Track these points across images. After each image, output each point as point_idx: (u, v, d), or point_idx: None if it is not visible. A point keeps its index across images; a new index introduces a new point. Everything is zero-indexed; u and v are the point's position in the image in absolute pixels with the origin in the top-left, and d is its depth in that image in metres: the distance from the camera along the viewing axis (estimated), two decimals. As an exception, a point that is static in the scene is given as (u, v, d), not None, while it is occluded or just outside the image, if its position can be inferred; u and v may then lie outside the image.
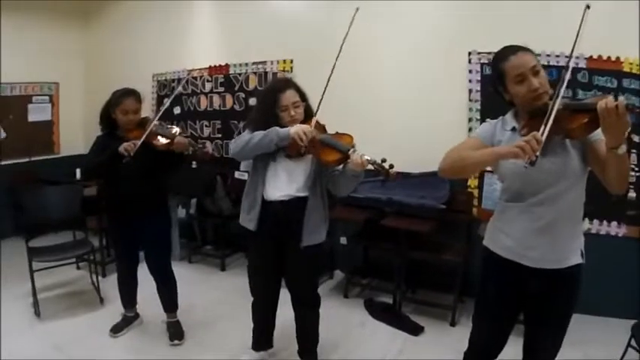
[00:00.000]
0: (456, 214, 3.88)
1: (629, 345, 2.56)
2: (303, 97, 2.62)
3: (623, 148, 1.58)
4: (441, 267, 3.80)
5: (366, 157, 2.29)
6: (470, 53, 3.92)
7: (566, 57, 3.56)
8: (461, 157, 1.88)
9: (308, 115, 2.62)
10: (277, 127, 2.47)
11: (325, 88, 2.60)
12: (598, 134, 1.67)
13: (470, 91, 3.94)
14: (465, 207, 3.93)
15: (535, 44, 3.43)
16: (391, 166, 2.25)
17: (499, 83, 1.87)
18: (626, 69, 3.54)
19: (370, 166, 2.30)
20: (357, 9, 2.66)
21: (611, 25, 3.41)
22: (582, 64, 3.60)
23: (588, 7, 1.77)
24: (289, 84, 2.66)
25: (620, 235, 3.69)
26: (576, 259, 1.89)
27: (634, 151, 3.57)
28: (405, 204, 3.93)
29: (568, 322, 1.99)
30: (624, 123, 1.51)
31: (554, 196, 1.80)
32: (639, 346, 2.51)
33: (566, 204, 1.82)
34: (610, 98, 1.51)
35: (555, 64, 3.60)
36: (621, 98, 1.51)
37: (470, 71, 3.95)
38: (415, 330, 3.53)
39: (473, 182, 4.01)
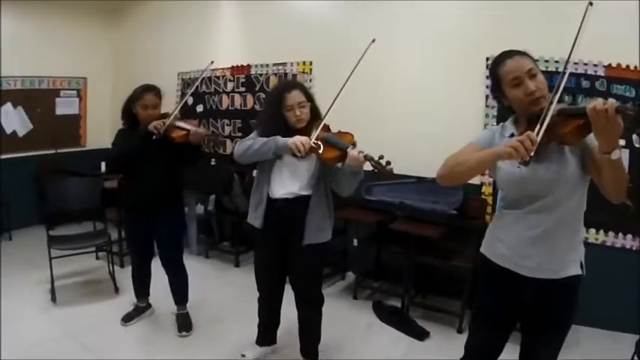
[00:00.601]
0: (468, 220, 3.86)
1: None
2: (309, 97, 2.66)
3: (617, 153, 1.53)
4: (450, 273, 3.79)
5: (363, 154, 2.31)
6: (488, 59, 3.88)
7: (585, 64, 3.56)
8: (459, 162, 1.87)
9: (314, 115, 2.67)
10: (278, 137, 2.53)
11: (339, 93, 2.62)
12: (594, 140, 1.62)
13: (487, 97, 3.91)
14: (477, 213, 3.90)
15: (553, 51, 3.47)
16: (388, 163, 2.25)
17: (497, 88, 1.86)
18: (646, 78, 3.47)
19: (367, 163, 2.31)
20: (374, 40, 2.64)
21: (631, 33, 3.37)
22: (601, 72, 3.54)
23: (591, 3, 1.74)
24: (295, 85, 2.71)
25: (634, 248, 3.59)
26: (575, 269, 1.84)
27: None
28: (416, 208, 3.93)
29: (565, 333, 1.95)
30: (616, 126, 1.46)
31: (551, 204, 1.76)
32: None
33: (564, 212, 1.77)
34: (600, 100, 1.47)
35: (574, 71, 3.54)
36: (611, 100, 1.46)
37: (487, 77, 3.92)
38: (421, 335, 3.53)
39: (487, 189, 3.99)
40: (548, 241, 1.79)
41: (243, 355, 3.06)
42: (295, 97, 2.59)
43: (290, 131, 2.59)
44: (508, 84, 1.78)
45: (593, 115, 1.48)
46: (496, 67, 1.83)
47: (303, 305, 2.89)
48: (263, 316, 3.05)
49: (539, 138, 1.58)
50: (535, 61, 1.82)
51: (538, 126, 1.62)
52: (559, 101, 1.70)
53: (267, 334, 3.10)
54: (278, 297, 2.98)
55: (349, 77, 2.63)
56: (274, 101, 2.65)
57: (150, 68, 5.94)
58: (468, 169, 1.86)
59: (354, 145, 2.44)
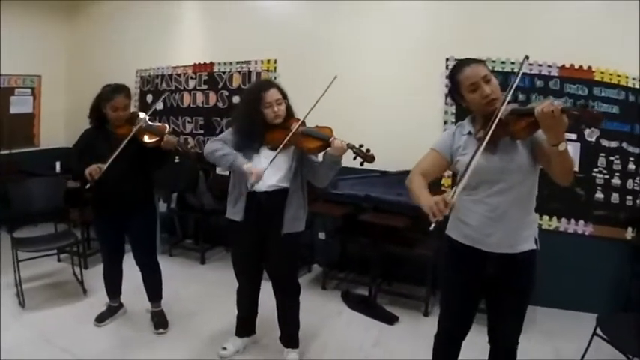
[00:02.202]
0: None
1: (594, 333, 2.75)
2: (284, 95, 2.81)
3: (563, 145, 1.78)
4: (414, 261, 4.01)
5: (345, 142, 2.55)
6: (447, 60, 4.11)
7: (539, 65, 3.82)
8: (410, 189, 2.12)
9: (289, 113, 2.82)
10: (238, 156, 2.70)
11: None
12: (542, 134, 1.88)
13: (446, 95, 4.13)
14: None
15: (509, 52, 3.70)
16: (368, 150, 2.53)
17: (456, 92, 2.11)
18: (597, 78, 3.78)
19: (350, 151, 2.55)
20: (335, 77, 2.74)
21: (582, 34, 3.66)
22: (554, 72, 3.82)
23: (527, 57, 2.07)
24: (272, 83, 2.88)
25: (586, 233, 3.94)
26: (529, 245, 2.11)
27: (602, 154, 3.82)
28: (382, 200, 4.12)
29: (526, 301, 2.21)
30: (562, 124, 1.71)
31: (505, 189, 2.02)
32: (604, 334, 2.68)
33: (516, 196, 2.03)
34: (547, 103, 1.72)
35: (528, 71, 3.81)
36: (557, 102, 1.72)
37: (447, 77, 4.13)
38: (390, 319, 3.71)
39: (446, 181, 4.21)
40: (506, 221, 2.05)
41: (224, 348, 3.14)
42: (273, 94, 2.72)
43: (267, 127, 2.74)
44: (466, 88, 2.02)
45: (540, 115, 1.73)
46: (455, 73, 2.07)
47: (282, 294, 3.00)
48: (242, 307, 3.14)
49: (454, 199, 1.81)
50: (492, 62, 2.06)
51: (454, 188, 1.85)
52: (512, 102, 1.97)
53: (246, 324, 3.20)
54: (256, 287, 3.09)
55: (312, 108, 2.74)
56: (252, 99, 2.77)
57: (107, 65, 5.80)
58: (411, 197, 2.12)
59: (334, 137, 2.61)
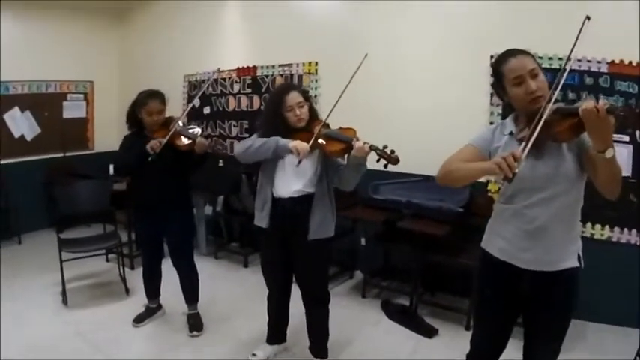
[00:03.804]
0: (474, 217, 3.87)
1: (637, 354, 2.52)
2: (307, 98, 2.75)
3: (610, 152, 1.58)
4: (458, 270, 3.81)
5: (368, 144, 2.42)
6: (492, 57, 3.90)
7: (588, 61, 3.57)
8: (450, 171, 1.95)
9: (312, 115, 2.74)
10: (278, 138, 2.61)
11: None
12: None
13: (492, 94, 3.93)
14: (483, 211, 3.90)
15: (557, 48, 3.48)
16: (392, 152, 2.38)
17: (498, 85, 1.91)
18: (649, 74, 3.49)
19: (372, 159, 2.42)
20: (366, 55, 2.70)
21: (634, 29, 3.38)
22: (604, 69, 3.56)
23: (588, 18, 1.75)
24: (293, 86, 2.87)
25: (639, 243, 3.61)
26: (572, 262, 1.88)
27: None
28: (423, 206, 3.95)
29: (565, 324, 1.98)
30: (607, 125, 1.52)
31: (547, 199, 1.81)
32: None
33: (559, 207, 1.82)
34: (591, 101, 1.52)
35: (577, 67, 3.57)
36: (603, 100, 1.51)
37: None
38: (429, 332, 3.55)
39: (493, 187, 4.01)
40: (545, 235, 1.84)
41: (253, 355, 3.10)
42: (294, 97, 2.67)
43: (290, 131, 2.68)
44: (510, 82, 1.82)
45: (584, 114, 1.53)
46: (499, 64, 1.88)
47: (310, 302, 2.93)
48: (272, 314, 3.09)
49: (524, 154, 1.62)
50: (539, 59, 1.85)
51: (527, 137, 1.66)
52: (557, 100, 1.74)
53: (277, 332, 3.14)
54: (286, 295, 3.03)
55: (346, 86, 2.68)
56: (274, 103, 2.73)
57: (156, 70, 5.99)
58: (458, 178, 1.96)
59: (357, 138, 2.50)
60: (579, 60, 3.55)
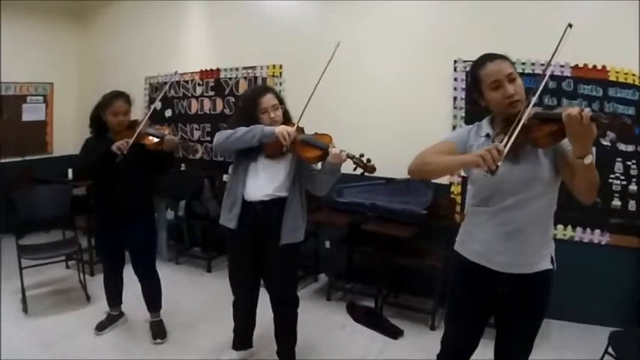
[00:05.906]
0: (437, 219, 3.94)
1: (605, 352, 2.59)
2: (281, 101, 2.75)
3: (589, 158, 1.60)
4: (422, 272, 3.85)
5: (345, 152, 2.43)
6: (455, 61, 3.99)
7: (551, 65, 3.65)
8: (425, 162, 1.93)
9: (286, 118, 2.74)
10: (262, 125, 2.58)
11: (311, 96, 2.69)
12: (568, 144, 1.68)
13: (455, 99, 4.01)
14: (446, 212, 3.99)
15: (521, 53, 3.56)
16: (368, 160, 2.40)
17: (475, 89, 1.92)
18: (612, 78, 3.58)
19: (349, 160, 2.45)
20: (339, 43, 2.71)
21: (597, 33, 3.45)
22: (567, 73, 3.64)
23: (570, 25, 1.80)
24: (268, 89, 2.81)
25: (603, 243, 3.74)
26: (545, 264, 1.92)
27: (619, 159, 3.63)
28: (387, 209, 3.99)
29: (537, 325, 2.02)
30: (589, 133, 1.53)
31: (522, 202, 1.84)
32: (616, 353, 2.53)
33: (534, 210, 1.85)
34: (576, 108, 1.54)
35: (540, 72, 3.59)
36: (587, 109, 1.52)
37: (455, 79, 4.02)
38: (395, 333, 3.59)
39: (456, 188, 4.08)
40: (519, 238, 1.87)
41: (220, 361, 3.07)
42: (269, 100, 2.66)
43: None
44: (488, 86, 1.84)
45: (568, 120, 1.54)
46: (477, 68, 1.89)
47: (280, 307, 2.91)
48: (239, 319, 3.06)
49: (507, 148, 1.63)
50: (522, 64, 1.88)
51: (507, 137, 1.67)
52: (536, 105, 1.78)
53: (243, 337, 3.11)
54: (253, 299, 3.00)
55: (319, 81, 2.69)
56: (248, 105, 2.71)
57: (116, 72, 5.85)
58: (434, 171, 1.95)
59: (332, 145, 2.51)
60: (542, 64, 3.59)
